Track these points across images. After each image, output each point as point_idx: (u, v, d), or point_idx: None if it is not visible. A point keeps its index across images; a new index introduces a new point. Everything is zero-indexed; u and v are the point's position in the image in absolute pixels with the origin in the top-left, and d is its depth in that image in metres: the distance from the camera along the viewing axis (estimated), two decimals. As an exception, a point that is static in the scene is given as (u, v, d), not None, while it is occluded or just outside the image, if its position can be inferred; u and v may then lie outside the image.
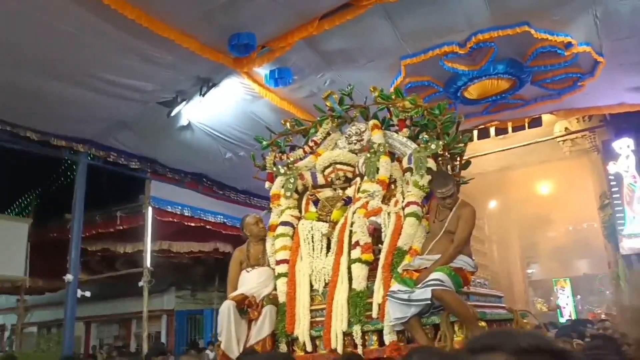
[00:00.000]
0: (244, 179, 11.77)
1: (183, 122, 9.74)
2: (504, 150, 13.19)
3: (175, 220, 11.12)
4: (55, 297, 12.21)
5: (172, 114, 9.30)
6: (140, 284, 10.26)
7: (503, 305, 5.12)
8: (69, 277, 9.45)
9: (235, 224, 11.68)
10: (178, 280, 14.03)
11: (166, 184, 11.15)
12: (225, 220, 11.95)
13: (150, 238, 10.56)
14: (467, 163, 5.08)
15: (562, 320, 12.96)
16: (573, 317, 13.52)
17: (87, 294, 10.23)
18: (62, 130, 9.54)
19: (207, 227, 11.73)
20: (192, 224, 11.44)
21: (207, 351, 10.47)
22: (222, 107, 9.45)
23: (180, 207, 11.16)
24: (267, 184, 5.53)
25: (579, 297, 15.15)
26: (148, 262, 10.40)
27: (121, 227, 11.19)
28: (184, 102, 9.18)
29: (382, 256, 4.36)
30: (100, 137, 9.95)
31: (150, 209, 10.68)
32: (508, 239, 15.19)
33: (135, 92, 8.62)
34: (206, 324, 13.95)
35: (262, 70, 8.62)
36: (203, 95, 8.98)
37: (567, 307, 14.87)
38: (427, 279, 3.95)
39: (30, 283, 10.76)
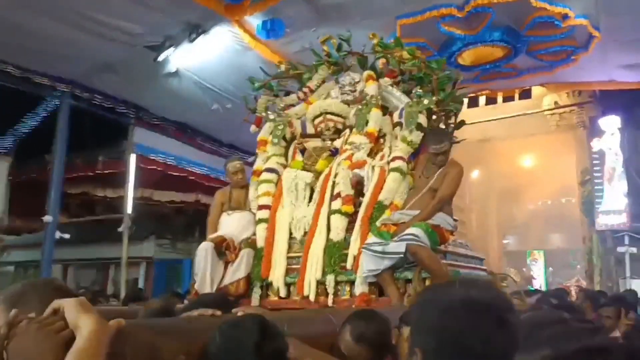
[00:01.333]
0: (229, 132, 11.64)
1: (170, 68, 9.53)
2: (492, 120, 13.17)
3: (158, 168, 11.00)
4: (34, 238, 12.08)
5: (160, 59, 9.09)
6: (120, 229, 10.19)
7: (484, 267, 5.17)
8: (47, 218, 9.34)
9: (219, 176, 11.59)
10: (158, 228, 13.96)
11: (150, 131, 10.98)
12: (208, 172, 11.86)
13: (132, 185, 10.44)
14: (461, 123, 5.02)
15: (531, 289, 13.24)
16: (543, 289, 13.82)
17: (66, 236, 10.14)
18: (45, 68, 9.28)
19: (190, 177, 11.65)
20: (175, 174, 11.34)
21: (186, 300, 10.53)
22: (211, 56, 9.26)
23: (163, 156, 11.02)
24: (252, 127, 5.44)
25: (551, 269, 15.45)
26: (129, 208, 10.31)
27: (103, 172, 11.04)
28: (172, 48, 8.96)
29: (362, 209, 4.35)
30: (85, 79, 9.71)
31: (133, 156, 10.52)
32: (487, 209, 15.34)
33: (122, 33, 8.38)
34: (185, 274, 13.96)
35: (254, 20, 8.41)
36: (192, 42, 8.77)
37: (538, 279, 15.18)
38: (403, 233, 3.95)
39: (8, 222, 10.62)
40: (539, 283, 15.01)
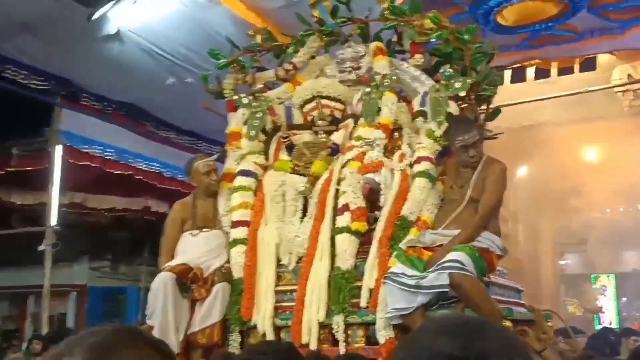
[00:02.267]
0: (190, 116, 11.64)
1: (110, 29, 9.53)
2: (543, 99, 13.24)
3: (93, 164, 10.98)
4: None
5: (95, 16, 9.10)
6: (42, 248, 10.20)
7: (522, 302, 5.25)
8: (-57, 232, 9.36)
9: (176, 176, 11.63)
10: (94, 246, 13.96)
11: (83, 114, 10.95)
12: (162, 170, 11.86)
13: (58, 187, 10.43)
14: (497, 111, 5.10)
15: (599, 328, 13.35)
16: (614, 325, 13.96)
17: (-32, 257, 10.15)
18: None
19: (137, 177, 11.63)
20: (117, 172, 11.32)
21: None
22: (165, 14, 9.26)
23: (101, 148, 10.99)
24: (230, 116, 5.48)
25: (624, 299, 15.60)
26: (54, 219, 10.31)
27: (18, 170, 11.02)
28: (112, 2, 8.97)
29: (379, 227, 4.40)
30: (-8, 44, 9.69)
31: (59, 148, 10.52)
32: (539, 218, 15.41)
33: (44, -19, 8.39)
34: (130, 307, 14.00)
35: (222, -36, 8.46)
36: (140, -6, 8.80)
37: (607, 312, 15.32)
38: (444, 260, 3.99)
39: None
40: (609, 318, 15.14)
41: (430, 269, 4.04)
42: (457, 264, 3.94)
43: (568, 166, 14.53)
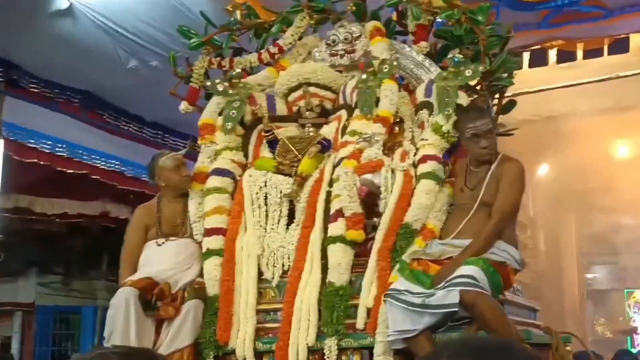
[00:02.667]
0: (156, 105, 11.62)
1: (61, 4, 9.52)
2: (567, 86, 13.30)
3: (41, 162, 10.95)
4: None
5: (44, -11, 9.11)
6: (-19, 260, 10.21)
7: (538, 323, 5.30)
8: None
9: (139, 175, 11.61)
10: (43, 258, 13.92)
11: (30, 103, 10.92)
12: (122, 168, 11.83)
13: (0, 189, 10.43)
14: (511, 103, 5.14)
15: (634, 352, 13.43)
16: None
17: None
18: None
19: (93, 176, 11.60)
20: (69, 171, 11.30)
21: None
22: (127, -15, 9.28)
23: (50, 142, 10.96)
24: (182, 105, 5.51)
25: (662, 320, 15.69)
26: (-5, 226, 10.32)
27: (-47, 169, 10.99)
28: (63, -30, 8.99)
29: (378, 236, 4.43)
30: None
31: (1, 143, 10.50)
32: (562, 224, 15.49)
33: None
34: (85, 329, 13.96)
35: None
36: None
37: (642, 334, 15.42)
38: (454, 275, 4.02)
39: None
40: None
41: (439, 286, 4.05)
42: (470, 280, 3.96)
43: (595, 163, 14.60)
